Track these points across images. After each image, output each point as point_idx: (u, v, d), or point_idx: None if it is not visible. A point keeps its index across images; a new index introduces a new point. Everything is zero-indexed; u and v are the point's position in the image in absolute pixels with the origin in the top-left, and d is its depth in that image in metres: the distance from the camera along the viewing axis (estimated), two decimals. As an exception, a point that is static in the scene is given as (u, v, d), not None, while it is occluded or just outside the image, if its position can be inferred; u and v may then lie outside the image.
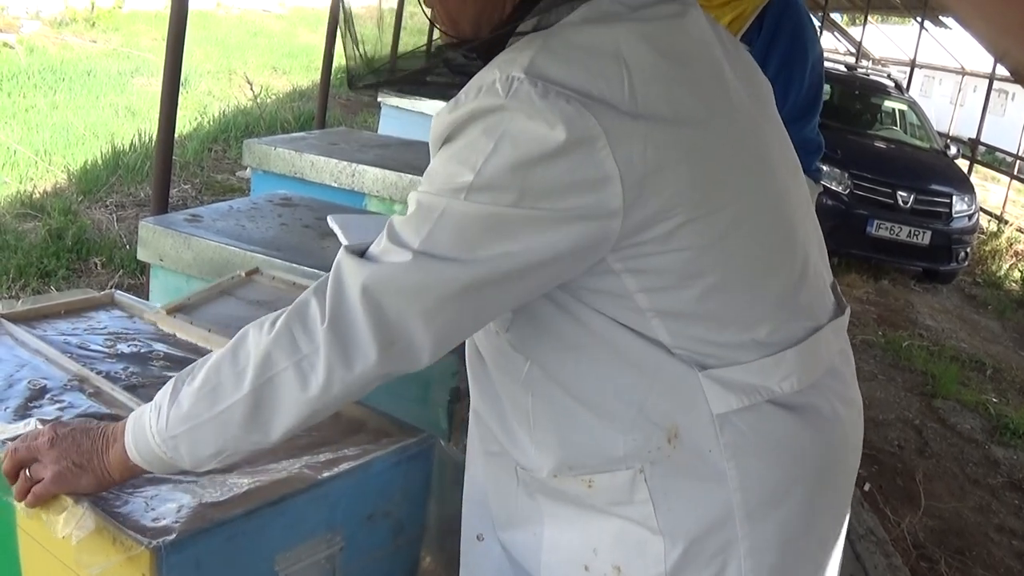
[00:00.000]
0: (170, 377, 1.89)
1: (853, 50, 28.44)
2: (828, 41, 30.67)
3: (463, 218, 1.65)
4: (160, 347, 2.74)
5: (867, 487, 6.38)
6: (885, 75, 17.60)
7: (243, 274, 3.10)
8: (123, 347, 2.71)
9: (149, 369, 2.60)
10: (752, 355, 1.81)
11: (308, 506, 2.09)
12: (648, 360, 1.78)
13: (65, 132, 11.56)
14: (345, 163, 5.08)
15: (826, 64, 15.46)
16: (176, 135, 11.77)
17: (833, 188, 12.45)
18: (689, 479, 1.82)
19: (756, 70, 2.04)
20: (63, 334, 2.76)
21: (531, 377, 1.88)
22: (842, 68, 17.14)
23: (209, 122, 13.42)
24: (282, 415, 1.77)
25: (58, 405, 2.33)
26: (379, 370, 1.72)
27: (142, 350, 2.71)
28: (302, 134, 5.99)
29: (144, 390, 2.43)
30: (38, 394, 2.38)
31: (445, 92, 1.83)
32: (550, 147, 1.60)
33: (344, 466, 2.19)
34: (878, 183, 12.67)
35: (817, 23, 29.62)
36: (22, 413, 2.28)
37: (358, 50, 1.99)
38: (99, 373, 2.50)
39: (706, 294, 1.76)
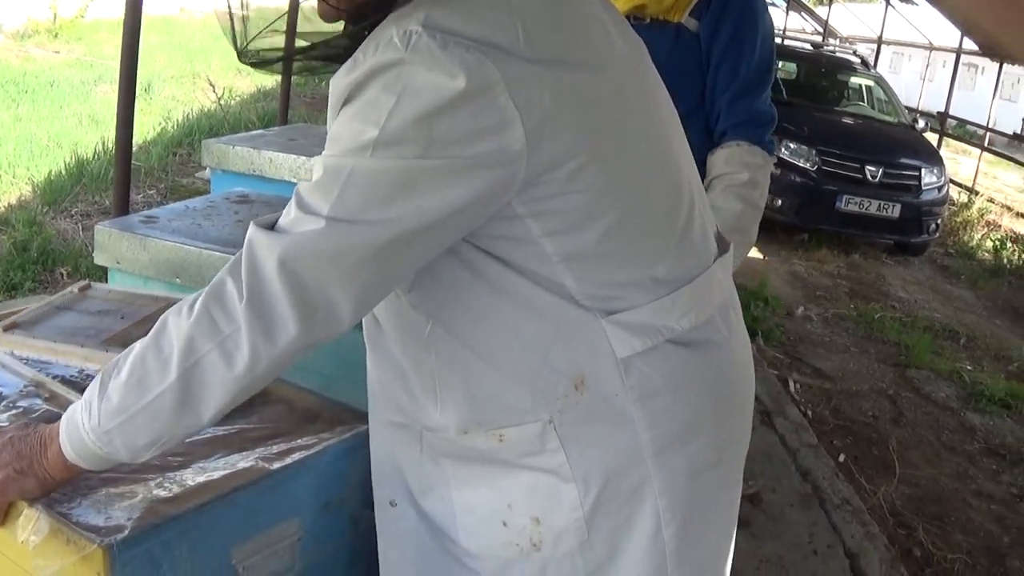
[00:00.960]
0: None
1: (820, 29, 28.47)
2: (795, 21, 30.69)
3: (371, 175, 1.66)
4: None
5: (842, 458, 6.42)
6: (851, 52, 17.64)
7: (76, 290, 3.02)
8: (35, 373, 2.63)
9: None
10: (651, 295, 1.85)
11: (262, 497, 2.08)
12: (551, 309, 1.81)
13: (28, 144, 11.47)
14: (304, 158, 5.00)
15: (792, 43, 15.42)
16: (140, 141, 11.97)
17: (801, 165, 12.53)
18: (598, 425, 1.85)
19: (627, 26, 2.06)
20: None
21: (434, 337, 1.89)
22: (808, 47, 17.17)
23: (173, 127, 13.34)
24: (212, 397, 1.76)
25: (15, 411, 2.29)
26: (303, 341, 1.72)
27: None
28: (261, 131, 5.94)
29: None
30: None
31: (322, 67, 1.87)
32: (452, 96, 1.61)
33: (297, 456, 2.17)
34: (846, 158, 12.69)
35: (783, 3, 29.84)
36: None
37: (236, 25, 1.92)
38: (55, 378, 2.46)
39: (606, 234, 1.79)
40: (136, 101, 4.56)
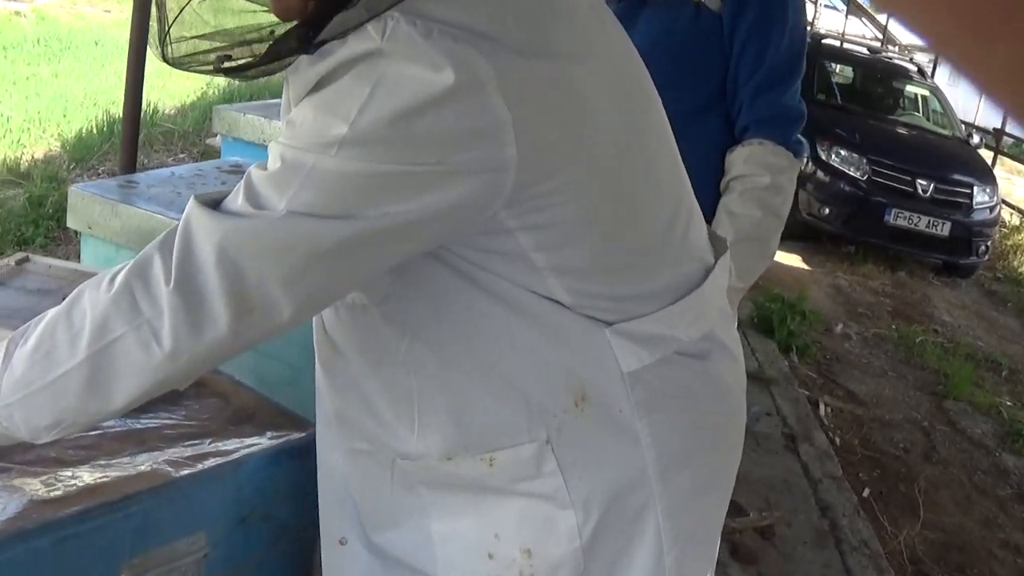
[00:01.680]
0: None
1: (880, 35, 28.17)
2: (855, 26, 30.43)
3: (334, 177, 1.46)
4: None
5: (866, 493, 6.13)
6: (908, 59, 17.34)
7: (12, 263, 2.80)
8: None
9: None
10: (656, 304, 1.73)
11: (161, 507, 1.86)
12: (549, 319, 1.66)
13: (63, 100, 11.39)
14: (316, 132, 4.80)
15: (850, 47, 15.12)
16: (179, 104, 11.80)
17: (851, 173, 12.18)
18: (599, 443, 1.71)
19: (611, 12, 1.86)
20: None
21: (412, 355, 1.71)
22: (865, 52, 16.90)
23: (214, 91, 13.24)
24: (122, 384, 1.59)
25: None
26: (232, 340, 1.55)
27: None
28: (276, 100, 5.71)
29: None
30: None
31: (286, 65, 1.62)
32: (436, 92, 1.41)
33: (211, 462, 1.96)
34: (897, 170, 12.31)
35: (844, 6, 29.59)
36: None
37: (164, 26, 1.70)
38: None
39: (601, 245, 1.66)
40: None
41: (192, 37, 1.68)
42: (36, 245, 6.95)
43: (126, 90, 4.41)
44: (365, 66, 1.43)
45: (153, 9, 1.69)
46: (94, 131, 10.15)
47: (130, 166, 4.40)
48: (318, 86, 1.48)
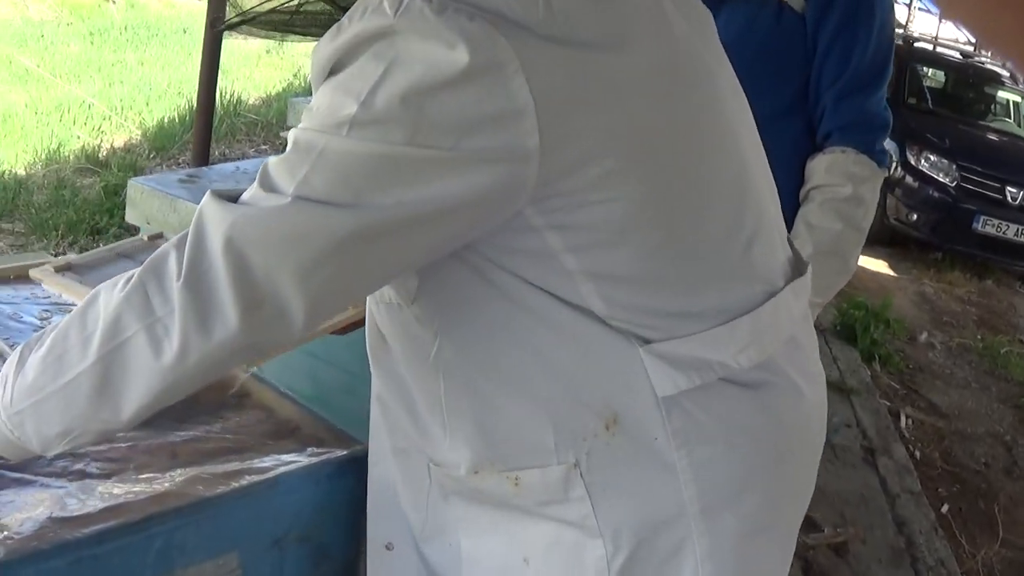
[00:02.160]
0: None
1: (973, 39, 27.77)
2: (948, 30, 30.11)
3: (345, 157, 1.41)
4: None
5: (944, 509, 5.98)
6: (1001, 64, 17.03)
7: (145, 238, 2.80)
8: (57, 319, 2.38)
9: None
10: (701, 324, 1.58)
11: (188, 527, 1.76)
12: (579, 333, 1.55)
13: (147, 88, 11.46)
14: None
15: (942, 50, 14.90)
16: (264, 95, 11.80)
17: (940, 179, 11.97)
18: (632, 472, 1.60)
19: (695, 3, 1.77)
20: (0, 302, 2.46)
21: (441, 357, 1.64)
22: (958, 56, 16.62)
23: (300, 82, 13.23)
24: (133, 389, 1.53)
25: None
26: (243, 339, 1.48)
27: None
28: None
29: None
30: None
31: (318, 32, 1.62)
32: (450, 72, 1.35)
33: (244, 481, 1.86)
34: (987, 177, 12.08)
35: (936, 10, 29.14)
36: None
37: None
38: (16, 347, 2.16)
39: (645, 252, 1.53)
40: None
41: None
42: (109, 236, 6.93)
43: (200, 80, 4.39)
44: (379, 44, 1.38)
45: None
46: (176, 120, 10.19)
47: (202, 159, 4.34)
48: (336, 68, 1.43)
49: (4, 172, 7.87)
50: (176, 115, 10.33)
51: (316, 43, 1.48)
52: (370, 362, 1.83)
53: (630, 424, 1.57)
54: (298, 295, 1.44)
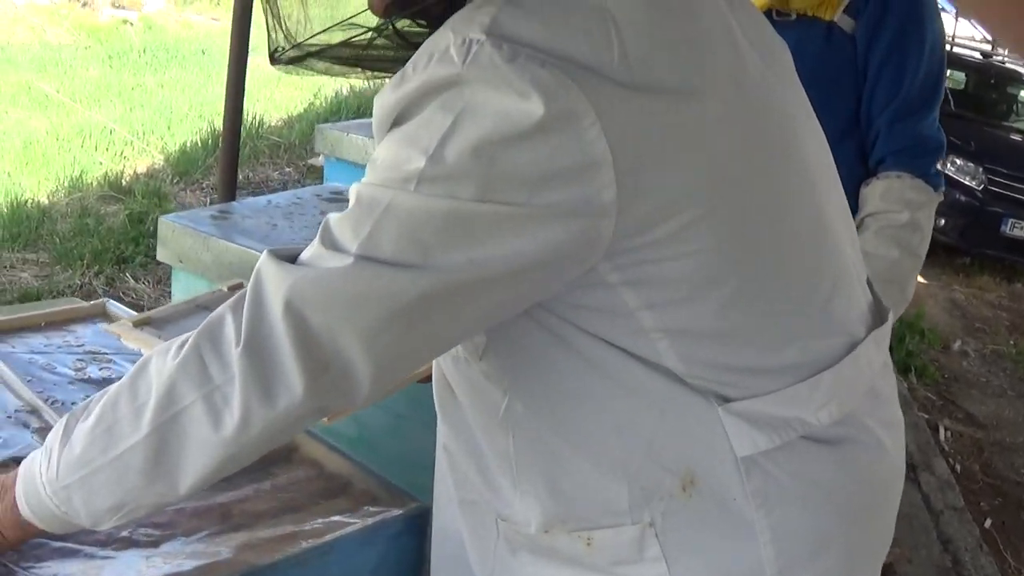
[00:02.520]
0: None
1: (990, 38, 27.65)
2: (965, 28, 29.97)
3: (413, 215, 1.34)
4: None
5: (988, 523, 5.90)
6: (1022, 63, 16.94)
7: (225, 289, 2.70)
8: (93, 370, 2.35)
9: None
10: (781, 381, 1.52)
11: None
12: (656, 391, 1.49)
13: (168, 112, 11.42)
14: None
15: (960, 51, 14.82)
16: (285, 116, 11.77)
17: (966, 183, 11.87)
18: (709, 533, 1.53)
19: (767, 27, 1.71)
20: (33, 351, 2.42)
21: (511, 414, 1.57)
22: (977, 56, 16.51)
23: (321, 103, 13.17)
24: (191, 462, 1.46)
25: None
26: (308, 405, 1.41)
27: (113, 375, 2.35)
28: (381, 118, 5.59)
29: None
30: None
31: (388, 67, 1.56)
32: (523, 124, 1.29)
33: (299, 547, 1.79)
34: (1014, 179, 11.98)
35: (952, 8, 29.01)
36: None
37: (278, 19, 1.65)
38: (54, 403, 2.16)
39: (724, 307, 1.47)
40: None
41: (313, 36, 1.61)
42: (135, 265, 6.89)
43: (225, 113, 4.32)
44: (447, 95, 1.32)
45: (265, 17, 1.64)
46: (198, 144, 10.14)
47: (230, 191, 4.28)
48: (400, 118, 1.38)
49: (27, 201, 7.82)
50: (198, 139, 10.28)
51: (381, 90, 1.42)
52: (437, 411, 1.77)
53: (708, 484, 1.50)
54: (364, 359, 1.38)
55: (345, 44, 1.58)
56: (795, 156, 1.58)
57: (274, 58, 1.64)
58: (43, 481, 1.54)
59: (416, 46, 1.42)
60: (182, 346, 1.45)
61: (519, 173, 1.31)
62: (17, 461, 1.85)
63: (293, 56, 1.62)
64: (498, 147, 1.30)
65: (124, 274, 6.69)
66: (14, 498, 1.59)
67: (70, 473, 1.51)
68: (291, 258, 1.42)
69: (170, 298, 3.39)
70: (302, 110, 12.65)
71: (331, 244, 1.38)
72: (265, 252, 1.43)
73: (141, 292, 6.46)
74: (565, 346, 1.49)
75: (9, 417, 2.08)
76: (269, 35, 1.65)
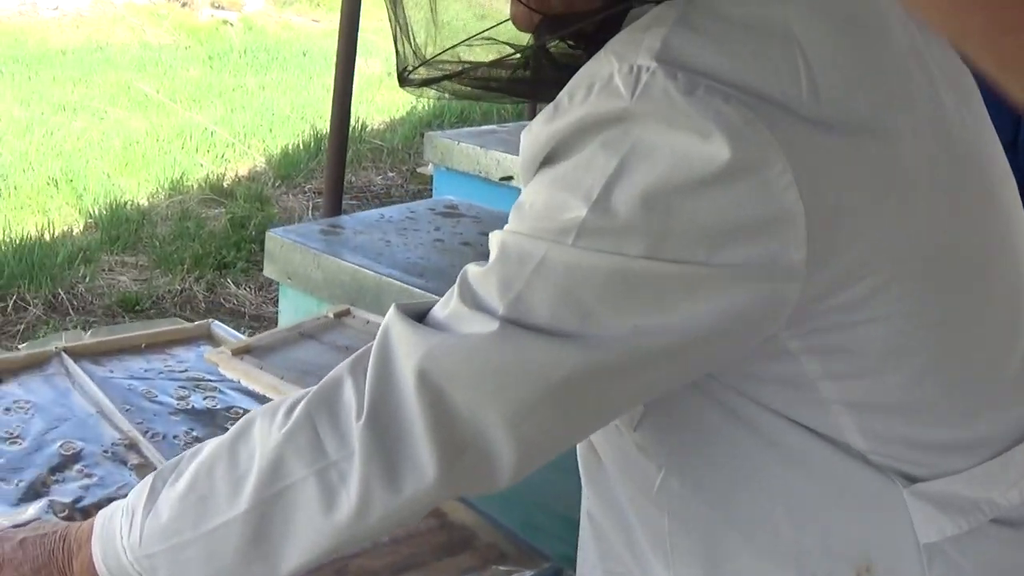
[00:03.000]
0: None
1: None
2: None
3: (571, 273, 1.18)
4: (243, 403, 2.23)
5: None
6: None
7: (331, 315, 2.57)
8: (196, 399, 2.21)
9: (218, 434, 2.05)
10: (972, 458, 1.33)
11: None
12: (835, 470, 1.31)
13: (269, 114, 11.34)
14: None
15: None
16: (388, 120, 11.68)
17: None
18: None
19: (948, 47, 1.42)
20: (132, 376, 2.30)
21: (667, 491, 1.39)
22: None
23: (424, 107, 13.06)
24: (295, 545, 1.31)
25: (84, 481, 1.87)
26: (438, 491, 1.27)
27: (218, 406, 2.22)
28: (493, 127, 5.44)
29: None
30: (67, 462, 1.93)
31: (535, 92, 1.44)
32: (704, 169, 1.12)
33: None
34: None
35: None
36: (36, 490, 1.83)
37: (408, 35, 1.48)
38: (153, 436, 2.04)
39: (914, 379, 1.29)
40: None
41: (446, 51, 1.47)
42: (236, 271, 6.81)
43: (331, 125, 4.19)
44: (612, 132, 1.15)
45: (394, 30, 1.48)
46: (300, 147, 10.04)
47: (336, 205, 4.15)
48: (552, 157, 1.21)
49: (127, 203, 7.77)
50: (300, 141, 10.20)
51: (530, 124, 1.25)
52: (581, 473, 1.59)
53: (885, 574, 1.32)
54: (508, 441, 1.22)
55: (489, 64, 1.42)
56: (995, 206, 1.39)
57: (403, 79, 1.48)
58: (124, 544, 1.41)
59: (567, 70, 1.27)
60: (292, 409, 1.30)
61: (697, 226, 1.14)
62: (111, 501, 1.72)
63: (426, 77, 1.45)
64: (673, 195, 1.13)
65: (225, 280, 6.60)
66: (90, 555, 1.45)
67: (155, 542, 1.37)
68: (422, 315, 1.28)
69: (275, 310, 3.26)
70: (404, 113, 12.56)
71: (473, 303, 1.23)
72: (393, 308, 1.28)
73: (243, 299, 6.35)
74: (734, 419, 1.32)
75: (106, 452, 1.96)
76: (397, 52, 1.49)
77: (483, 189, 4.53)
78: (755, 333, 1.22)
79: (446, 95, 1.51)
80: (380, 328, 1.27)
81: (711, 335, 1.19)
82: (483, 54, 1.46)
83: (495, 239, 1.24)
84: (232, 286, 6.53)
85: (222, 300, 6.36)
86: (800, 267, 1.16)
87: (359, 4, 4.04)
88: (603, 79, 1.17)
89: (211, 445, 1.38)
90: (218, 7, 16.65)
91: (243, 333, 5.71)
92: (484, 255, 2.92)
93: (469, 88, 1.47)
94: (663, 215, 1.13)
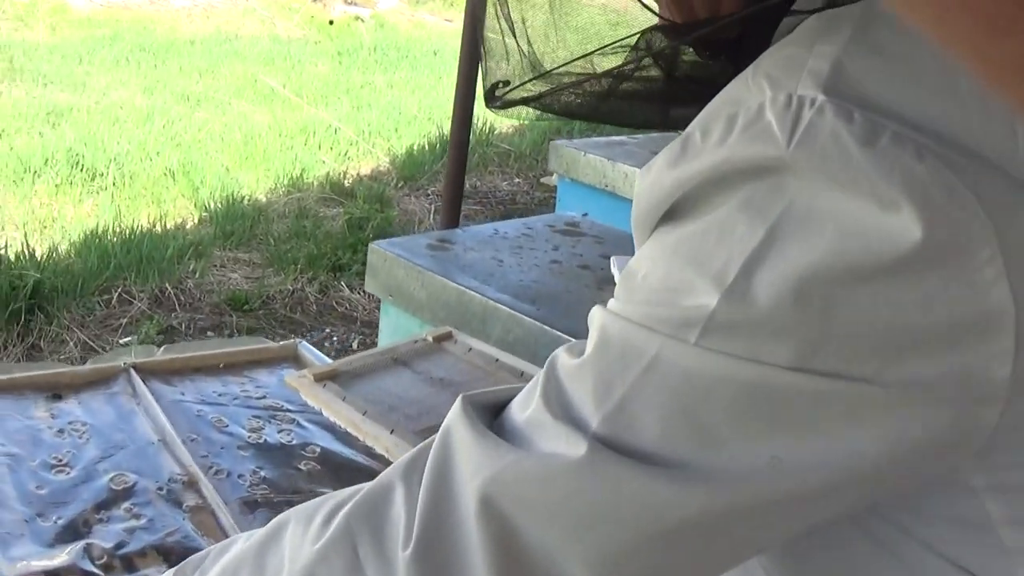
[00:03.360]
0: (318, 494, 1.37)
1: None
2: None
3: (691, 382, 0.85)
4: (320, 441, 1.98)
5: None
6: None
7: (430, 339, 2.30)
8: (271, 433, 1.98)
9: (289, 476, 1.86)
10: None
11: None
12: None
13: (396, 113, 11.20)
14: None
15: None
16: (518, 123, 11.48)
17: None
18: None
19: None
20: (204, 401, 2.08)
21: None
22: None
23: (551, 112, 12.93)
24: None
25: (130, 523, 1.67)
26: None
27: (293, 441, 1.97)
28: (622, 138, 5.16)
29: (266, 511, 1.72)
30: (116, 498, 1.74)
31: (660, 117, 1.13)
32: (886, 253, 0.78)
33: None
34: None
35: None
36: (76, 530, 1.64)
37: (518, 44, 1.18)
38: (217, 473, 1.83)
39: None
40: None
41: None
42: (351, 274, 6.59)
43: (452, 134, 4.00)
44: (759, 188, 0.83)
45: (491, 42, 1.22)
46: (425, 148, 9.88)
47: (453, 216, 3.93)
48: (676, 212, 0.89)
49: (244, 198, 7.63)
50: (426, 142, 10.03)
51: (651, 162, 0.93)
52: None
53: None
54: None
55: (604, 75, 1.13)
56: None
57: (496, 96, 1.20)
58: None
59: (700, 90, 0.98)
60: (330, 518, 1.05)
61: (868, 331, 0.82)
62: (158, 550, 1.61)
63: (529, 95, 1.16)
64: (838, 286, 0.81)
65: (339, 283, 6.39)
66: None
67: None
68: (496, 409, 1.00)
69: (379, 328, 3.03)
70: (534, 117, 12.43)
71: (560, 409, 0.92)
72: (458, 404, 0.98)
73: (356, 304, 6.15)
74: (888, 558, 0.99)
75: (160, 489, 1.76)
76: (490, 67, 1.21)
77: (608, 204, 4.26)
78: (933, 468, 0.91)
79: (550, 115, 1.21)
80: (441, 428, 0.99)
81: (875, 472, 0.88)
82: (606, 64, 1.16)
83: (596, 319, 0.94)
84: (346, 289, 6.33)
85: (334, 303, 6.17)
86: (1002, 385, 0.84)
87: (485, 4, 3.82)
88: (749, 112, 0.85)
89: (239, 545, 1.19)
90: (351, 3, 16.71)
91: (353, 339, 5.52)
92: (603, 280, 2.60)
93: (580, 102, 1.17)
94: (821, 312, 0.82)
